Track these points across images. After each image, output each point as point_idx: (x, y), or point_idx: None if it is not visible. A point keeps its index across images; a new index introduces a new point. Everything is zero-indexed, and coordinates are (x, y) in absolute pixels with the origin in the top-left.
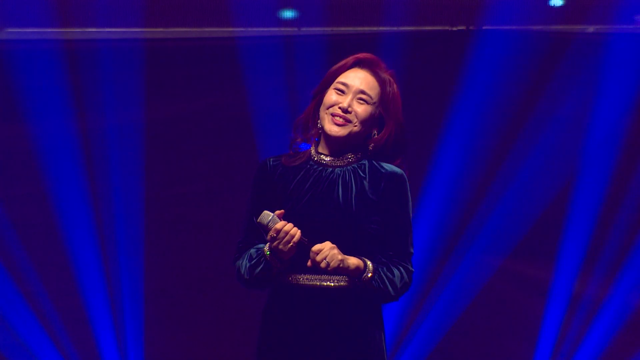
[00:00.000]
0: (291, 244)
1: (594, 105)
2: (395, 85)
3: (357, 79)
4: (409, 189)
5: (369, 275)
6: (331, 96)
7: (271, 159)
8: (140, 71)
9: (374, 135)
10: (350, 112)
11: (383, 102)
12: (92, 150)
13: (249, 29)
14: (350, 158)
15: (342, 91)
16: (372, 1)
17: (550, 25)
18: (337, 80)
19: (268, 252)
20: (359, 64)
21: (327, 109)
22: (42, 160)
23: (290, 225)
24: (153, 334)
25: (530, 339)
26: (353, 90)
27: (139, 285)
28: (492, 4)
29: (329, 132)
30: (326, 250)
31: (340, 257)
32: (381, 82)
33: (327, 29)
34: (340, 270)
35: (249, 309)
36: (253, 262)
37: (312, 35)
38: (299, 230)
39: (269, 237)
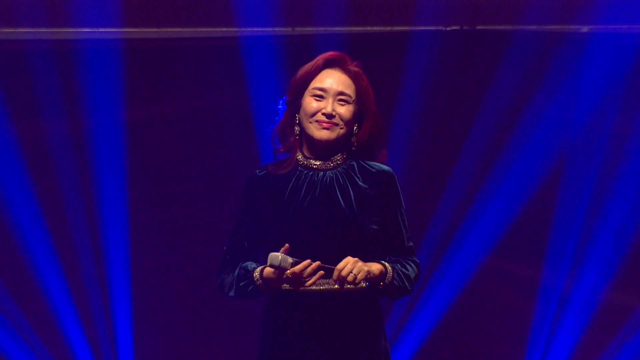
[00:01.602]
0: (314, 278)
1: (585, 104)
2: (364, 77)
3: (333, 81)
4: (398, 184)
5: (390, 276)
6: (311, 104)
7: (257, 170)
8: (138, 71)
9: (355, 131)
10: (334, 116)
11: (359, 97)
12: (81, 150)
13: (247, 29)
14: (338, 160)
15: (321, 96)
16: (367, 1)
17: (543, 25)
18: (311, 86)
19: (258, 278)
20: (328, 64)
21: (311, 117)
22: (31, 160)
23: (306, 264)
24: (142, 335)
25: (520, 337)
26: (332, 93)
27: (127, 286)
28: (485, 4)
29: (318, 138)
30: (351, 264)
31: (365, 268)
32: (354, 78)
33: (321, 29)
34: (366, 279)
35: (239, 310)
36: (242, 283)
37: (306, 35)
38: (318, 262)
39: (285, 277)
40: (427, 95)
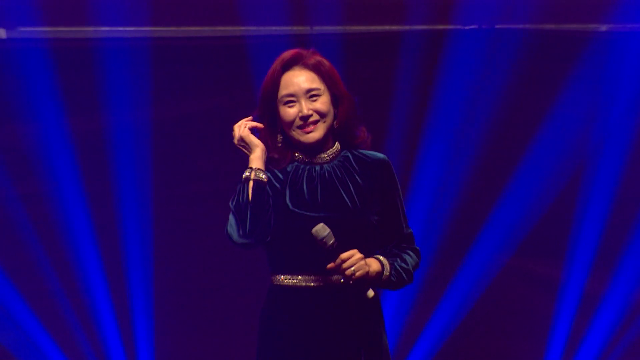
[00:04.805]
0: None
1: (606, 103)
2: (325, 61)
3: (297, 82)
4: (394, 171)
5: (387, 274)
6: (288, 112)
7: None
8: (150, 70)
9: (335, 114)
10: (312, 115)
11: (328, 84)
12: (100, 149)
13: (260, 28)
14: (334, 151)
15: (293, 101)
16: (384, 1)
17: (563, 24)
18: (280, 95)
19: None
20: (287, 67)
21: (292, 125)
22: (51, 160)
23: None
24: (163, 334)
25: (540, 337)
26: (301, 94)
27: (149, 285)
28: (503, 3)
29: (307, 142)
30: (355, 260)
31: (366, 268)
32: (316, 70)
33: (340, 28)
34: (362, 279)
35: (259, 309)
36: (235, 196)
37: (324, 34)
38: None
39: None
40: (447, 94)
